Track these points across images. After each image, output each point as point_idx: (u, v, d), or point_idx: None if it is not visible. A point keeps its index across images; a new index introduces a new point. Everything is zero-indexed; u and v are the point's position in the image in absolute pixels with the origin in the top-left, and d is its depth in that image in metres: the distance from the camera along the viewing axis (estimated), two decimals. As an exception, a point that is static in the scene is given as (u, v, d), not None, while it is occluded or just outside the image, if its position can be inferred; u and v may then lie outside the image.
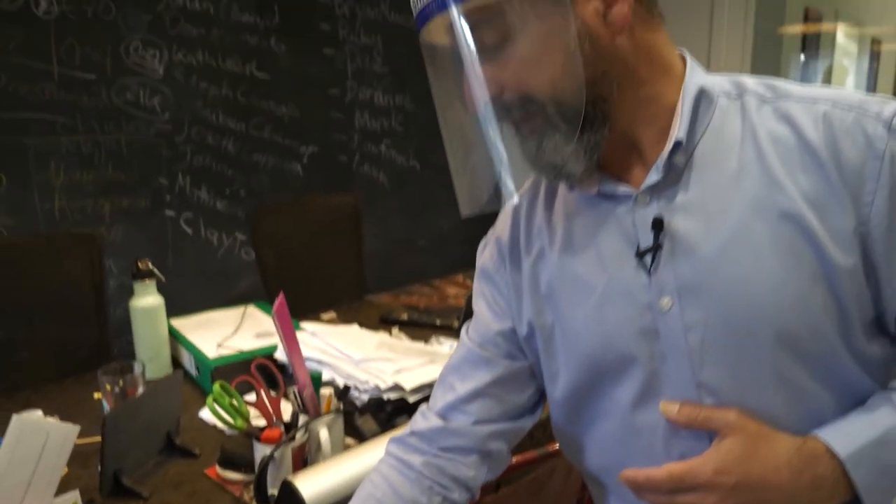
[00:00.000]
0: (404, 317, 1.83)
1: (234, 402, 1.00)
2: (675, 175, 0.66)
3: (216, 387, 0.96)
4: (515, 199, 0.69)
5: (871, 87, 4.97)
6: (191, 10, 2.52)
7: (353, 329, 1.53)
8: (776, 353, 0.63)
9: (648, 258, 0.66)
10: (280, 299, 0.94)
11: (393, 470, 0.80)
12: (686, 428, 0.65)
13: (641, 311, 0.67)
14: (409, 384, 1.18)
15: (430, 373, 1.23)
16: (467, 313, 1.71)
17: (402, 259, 3.45)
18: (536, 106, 0.65)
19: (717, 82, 0.68)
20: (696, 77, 0.67)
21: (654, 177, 0.66)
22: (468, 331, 0.87)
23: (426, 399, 1.05)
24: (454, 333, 1.71)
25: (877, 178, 0.59)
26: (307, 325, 1.47)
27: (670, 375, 0.67)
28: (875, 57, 4.94)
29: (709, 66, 3.07)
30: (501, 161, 0.66)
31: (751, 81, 0.68)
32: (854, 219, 0.60)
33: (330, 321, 1.79)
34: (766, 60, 3.40)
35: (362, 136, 3.20)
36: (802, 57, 4.14)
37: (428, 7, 0.65)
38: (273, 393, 1.02)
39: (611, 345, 0.70)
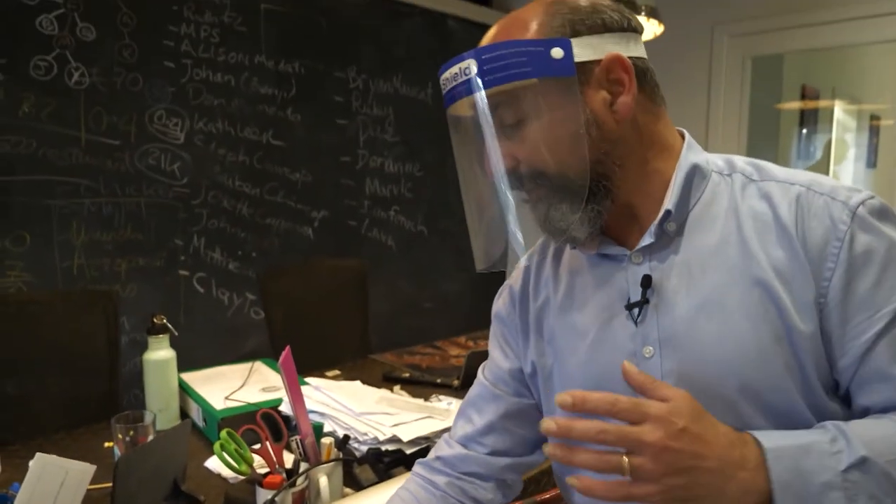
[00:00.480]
0: (406, 375, 1.88)
1: (240, 449, 1.05)
2: (666, 239, 0.75)
3: (223, 433, 1.02)
4: (523, 261, 0.77)
5: (872, 161, 5.07)
6: (213, 81, 2.69)
7: (355, 385, 1.58)
8: (740, 403, 0.69)
9: (636, 311, 0.75)
10: (286, 352, 1.00)
11: (420, 488, 0.90)
12: (641, 391, 0.64)
13: (627, 358, 0.74)
14: (406, 436, 1.22)
15: (427, 426, 1.28)
16: (467, 372, 1.76)
17: (408, 321, 3.51)
18: (546, 180, 0.74)
19: (712, 160, 0.78)
20: (690, 155, 0.76)
21: (647, 240, 0.75)
22: (484, 370, 0.97)
23: (422, 451, 1.10)
24: (453, 392, 1.75)
25: (836, 257, 0.67)
26: (311, 381, 1.52)
27: None
28: (875, 132, 5.07)
29: (707, 140, 3.19)
30: (513, 224, 0.74)
31: (740, 161, 0.77)
32: (815, 291, 0.67)
33: (334, 378, 1.84)
34: (764, 135, 3.53)
35: (372, 202, 3.32)
36: (805, 131, 4.27)
37: (456, 89, 0.74)
38: (276, 442, 1.07)
39: (600, 387, 0.74)
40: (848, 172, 4.98)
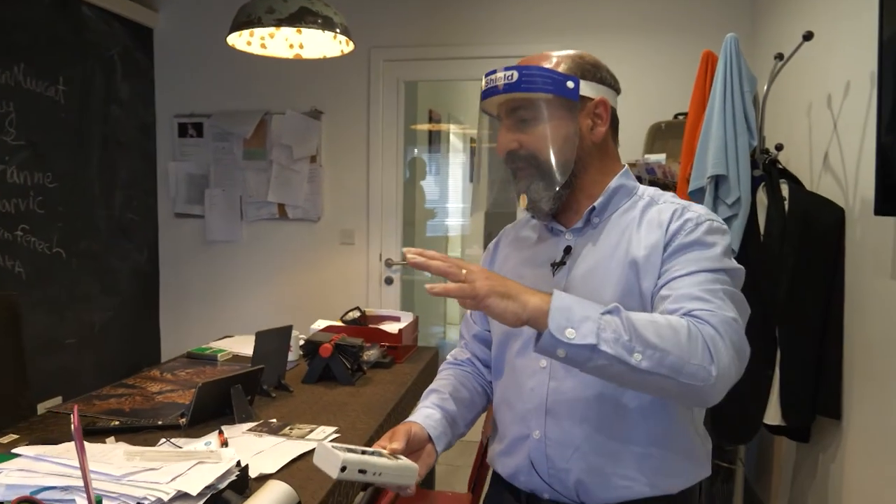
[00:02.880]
0: (116, 423, 1.58)
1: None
2: (591, 226, 1.11)
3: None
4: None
5: (471, 176, 6.03)
6: None
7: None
8: None
9: (556, 267, 1.10)
10: (76, 416, 0.77)
11: (458, 371, 1.24)
12: (445, 259, 0.91)
13: None
14: (194, 489, 1.05)
15: (208, 473, 1.12)
16: (198, 405, 1.57)
17: (45, 362, 2.92)
18: (536, 162, 1.07)
19: (641, 187, 1.14)
20: (622, 178, 1.12)
21: (578, 224, 1.12)
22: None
23: (213, 499, 1.07)
24: (184, 432, 1.55)
25: (679, 238, 1.02)
26: (24, 451, 1.17)
27: None
28: (474, 152, 6.06)
29: (369, 148, 3.42)
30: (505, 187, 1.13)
31: (652, 190, 1.13)
32: (662, 255, 1.02)
33: (11, 445, 1.45)
34: (410, 151, 3.92)
35: (-8, 220, 2.67)
36: (428, 149, 4.86)
37: (498, 86, 1.06)
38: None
39: None
40: (457, 187, 5.85)
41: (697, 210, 1.05)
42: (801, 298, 1.98)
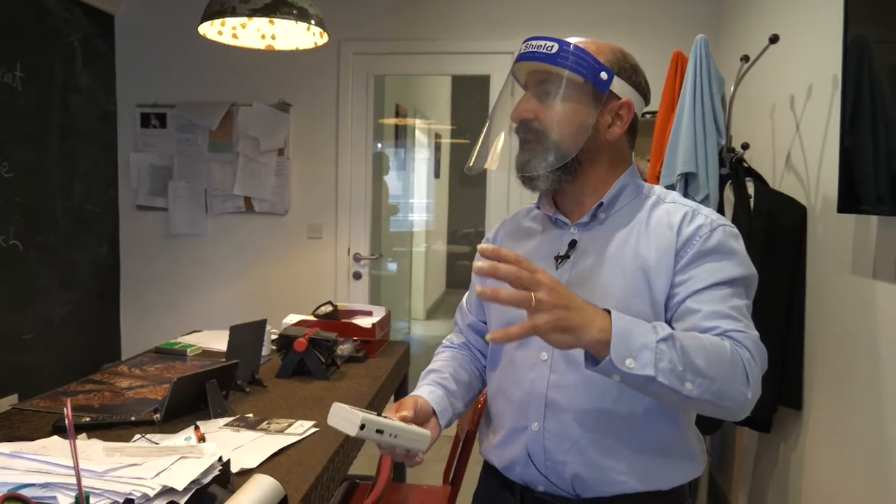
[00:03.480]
0: (87, 419, 1.54)
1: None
2: (596, 222, 1.10)
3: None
4: (494, 166, 1.15)
5: (436, 171, 6.04)
6: None
7: (55, 441, 1.25)
8: None
9: (559, 260, 1.09)
10: (69, 410, 0.75)
11: (456, 353, 1.25)
12: (517, 263, 0.85)
13: None
14: (180, 484, 1.04)
15: (193, 467, 1.10)
16: (173, 399, 1.55)
17: (3, 357, 2.82)
18: (545, 138, 1.05)
19: (647, 185, 1.14)
20: (629, 176, 1.11)
21: (584, 219, 1.10)
22: (465, 298, 1.32)
23: (198, 495, 1.06)
24: (158, 427, 1.52)
25: (694, 245, 1.02)
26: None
27: None
28: (438, 147, 6.06)
29: (338, 142, 3.39)
30: (507, 151, 1.13)
31: (660, 189, 1.13)
32: (674, 262, 1.02)
33: (-22, 442, 1.40)
34: (374, 145, 3.90)
35: (-55, 210, 2.57)
36: (394, 143, 4.85)
37: (535, 54, 1.05)
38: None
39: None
40: (422, 182, 5.84)
41: (708, 214, 1.05)
42: (765, 294, 2.04)
